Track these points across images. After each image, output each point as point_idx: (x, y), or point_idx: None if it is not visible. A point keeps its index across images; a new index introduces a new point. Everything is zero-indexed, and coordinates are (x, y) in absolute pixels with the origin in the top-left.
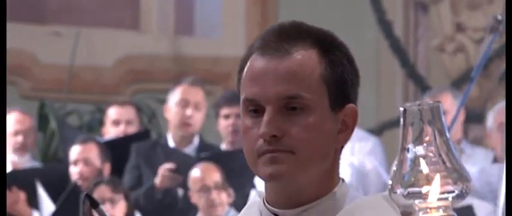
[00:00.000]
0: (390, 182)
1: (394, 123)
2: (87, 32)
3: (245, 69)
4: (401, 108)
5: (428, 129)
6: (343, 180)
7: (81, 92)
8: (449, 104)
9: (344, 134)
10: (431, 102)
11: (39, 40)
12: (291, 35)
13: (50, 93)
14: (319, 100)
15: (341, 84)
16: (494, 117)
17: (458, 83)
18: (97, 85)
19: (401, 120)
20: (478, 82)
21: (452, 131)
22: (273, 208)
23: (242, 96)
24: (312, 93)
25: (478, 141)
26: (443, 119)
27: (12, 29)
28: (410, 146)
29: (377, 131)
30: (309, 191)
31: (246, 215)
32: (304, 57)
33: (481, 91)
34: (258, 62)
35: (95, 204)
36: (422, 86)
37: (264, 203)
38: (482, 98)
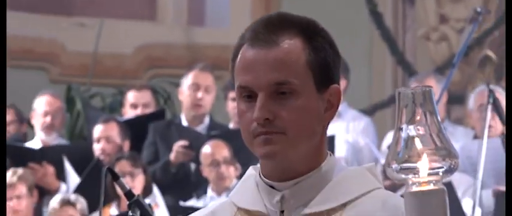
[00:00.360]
0: (386, 158)
1: (385, 105)
2: (109, 22)
3: (237, 59)
4: (397, 92)
5: (420, 111)
6: (331, 154)
7: (104, 77)
8: (434, 87)
9: (330, 112)
10: (423, 86)
11: (67, 30)
12: (277, 26)
13: (76, 78)
14: (305, 84)
15: (324, 67)
16: (475, 99)
17: (442, 69)
18: (118, 70)
19: (396, 102)
20: (459, 68)
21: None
22: (268, 181)
23: (236, 84)
24: (299, 79)
25: (460, 121)
26: (434, 102)
27: (43, 21)
28: (404, 126)
29: (369, 112)
30: (300, 165)
31: (243, 188)
32: (290, 46)
33: (462, 76)
34: (249, 53)
35: (115, 177)
36: (409, 71)
37: (260, 176)
38: (463, 82)
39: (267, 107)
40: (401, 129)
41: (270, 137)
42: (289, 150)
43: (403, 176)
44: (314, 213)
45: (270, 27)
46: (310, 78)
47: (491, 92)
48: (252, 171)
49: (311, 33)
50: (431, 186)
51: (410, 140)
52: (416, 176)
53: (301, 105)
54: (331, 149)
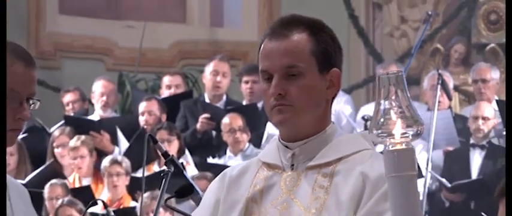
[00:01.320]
0: (369, 126)
1: (359, 85)
2: (150, 25)
3: (261, 50)
4: (377, 77)
5: (394, 89)
6: (333, 122)
7: (146, 66)
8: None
9: (331, 89)
10: (397, 71)
11: (118, 31)
12: (289, 23)
13: (126, 67)
14: (310, 67)
15: (326, 55)
16: (427, 81)
17: (402, 58)
18: (157, 61)
19: (377, 84)
20: (415, 57)
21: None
22: (284, 142)
23: (260, 68)
24: (304, 63)
25: (416, 98)
26: (404, 83)
27: (101, 24)
28: (382, 101)
29: (348, 91)
30: (306, 130)
31: (268, 148)
32: (298, 38)
33: (418, 63)
34: (267, 45)
35: (155, 142)
36: (378, 60)
37: (278, 140)
38: (419, 68)
39: (280, 85)
40: (380, 104)
41: (282, 108)
42: (296, 118)
43: (382, 139)
44: (315, 165)
45: (283, 25)
46: (314, 63)
47: (440, 76)
48: (276, 136)
49: (316, 29)
50: (403, 146)
51: (386, 111)
52: (392, 138)
53: (306, 83)
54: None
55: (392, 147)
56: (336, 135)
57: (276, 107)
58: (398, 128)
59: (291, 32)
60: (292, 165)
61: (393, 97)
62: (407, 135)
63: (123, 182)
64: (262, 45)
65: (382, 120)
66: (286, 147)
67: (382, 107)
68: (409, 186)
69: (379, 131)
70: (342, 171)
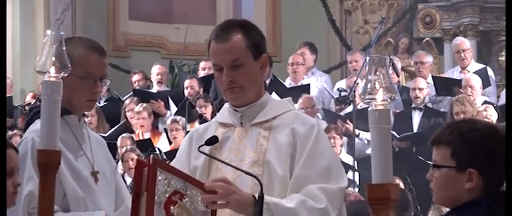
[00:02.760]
0: (361, 93)
1: (335, 67)
2: (191, 26)
3: (210, 49)
4: (368, 59)
5: (378, 67)
6: (266, 92)
7: (188, 55)
8: (359, 58)
9: (263, 69)
10: (378, 55)
11: (169, 31)
12: (227, 28)
13: (174, 56)
14: (247, 58)
15: (256, 46)
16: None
17: (365, 48)
18: (196, 52)
19: (367, 63)
20: (374, 47)
21: (362, 72)
22: (234, 107)
23: (212, 61)
24: (242, 56)
25: None
26: (386, 63)
27: (157, 26)
28: (369, 76)
29: (327, 71)
30: (250, 99)
31: (223, 113)
32: (235, 38)
33: (376, 51)
34: (214, 46)
35: (193, 107)
36: (348, 49)
37: (230, 106)
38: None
39: (229, 75)
40: (367, 77)
41: (232, 90)
42: (243, 95)
43: (369, 102)
44: (258, 122)
45: (224, 30)
46: (249, 54)
47: (391, 60)
48: (227, 105)
49: (246, 28)
50: (382, 107)
51: (372, 82)
52: (376, 101)
53: (247, 70)
54: (307, 91)
55: (375, 107)
56: (269, 101)
57: (228, 89)
58: (380, 95)
59: (230, 35)
60: (241, 123)
61: (377, 73)
62: (385, 100)
63: (180, 134)
64: (211, 46)
65: (369, 89)
66: (236, 110)
67: (369, 78)
68: (385, 134)
69: (367, 96)
70: (277, 126)
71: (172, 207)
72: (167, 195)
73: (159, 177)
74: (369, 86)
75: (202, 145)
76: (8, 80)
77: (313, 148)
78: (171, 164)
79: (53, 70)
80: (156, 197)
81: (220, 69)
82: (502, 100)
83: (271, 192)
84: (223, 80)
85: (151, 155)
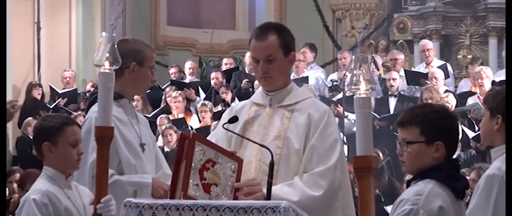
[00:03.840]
0: (349, 84)
1: (328, 63)
2: (216, 31)
3: (250, 45)
4: (354, 56)
5: (362, 63)
6: (292, 81)
7: (214, 53)
8: (347, 56)
9: (291, 63)
10: (362, 54)
11: (199, 34)
12: (265, 29)
13: (202, 54)
14: (279, 54)
15: (286, 45)
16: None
17: (352, 48)
18: (220, 50)
19: (354, 60)
20: (359, 48)
21: (350, 67)
22: (265, 91)
23: (250, 55)
24: (275, 53)
25: None
26: (368, 60)
27: (189, 30)
28: (355, 71)
29: (323, 66)
30: (278, 86)
31: (257, 94)
32: (271, 38)
33: (360, 51)
34: (254, 42)
35: (217, 94)
36: (339, 49)
37: (262, 90)
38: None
39: (263, 67)
40: (353, 72)
41: (265, 78)
42: (273, 83)
43: (354, 91)
44: (283, 105)
45: (262, 30)
46: (280, 52)
47: (373, 58)
48: (260, 88)
49: (280, 31)
50: (365, 95)
51: (357, 75)
52: (359, 91)
53: (278, 64)
54: (307, 82)
55: (359, 96)
56: (294, 89)
57: (262, 78)
58: (363, 86)
59: (267, 35)
60: (270, 104)
61: (361, 68)
62: (367, 90)
63: (208, 115)
64: (251, 42)
65: (354, 81)
66: (267, 94)
67: (355, 72)
68: (367, 117)
69: (353, 87)
70: (298, 110)
71: (205, 173)
72: (202, 163)
73: (196, 149)
74: (354, 79)
75: (226, 123)
76: (71, 73)
77: (323, 130)
78: (213, 132)
79: (107, 64)
80: (192, 164)
81: (257, 61)
82: (459, 89)
83: (288, 161)
84: (259, 70)
85: (191, 131)
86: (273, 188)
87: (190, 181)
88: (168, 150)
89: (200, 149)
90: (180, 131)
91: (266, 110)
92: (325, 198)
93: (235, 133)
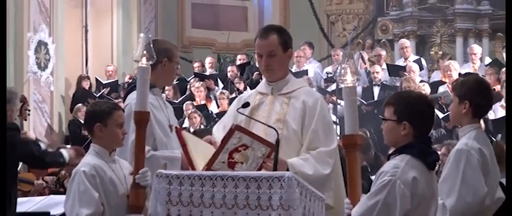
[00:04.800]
0: (338, 75)
1: (323, 59)
2: (232, 32)
3: (256, 42)
4: (342, 52)
5: (348, 58)
6: (289, 73)
7: (230, 51)
8: (339, 53)
9: (289, 58)
10: (349, 50)
11: (217, 35)
12: (268, 30)
13: (220, 51)
14: (279, 51)
15: (285, 43)
16: (356, 56)
17: (344, 46)
18: (235, 48)
19: (343, 55)
20: (349, 46)
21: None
22: (268, 81)
23: (256, 51)
24: (276, 49)
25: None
26: (353, 56)
27: (209, 32)
28: (342, 64)
29: (319, 60)
30: (278, 77)
31: (261, 85)
32: (272, 37)
33: (350, 49)
34: (258, 41)
35: (233, 84)
36: (332, 47)
37: (265, 80)
38: (350, 53)
39: (266, 61)
40: (342, 64)
41: (268, 70)
42: (274, 75)
43: (342, 81)
44: (282, 93)
45: (266, 31)
46: (280, 48)
47: (360, 54)
48: (264, 80)
49: (280, 32)
50: (351, 85)
51: (345, 68)
52: (347, 81)
53: (278, 59)
54: (306, 74)
55: (346, 85)
56: (291, 79)
57: (265, 70)
58: (349, 76)
59: (269, 35)
60: (272, 93)
61: (348, 61)
62: (353, 80)
63: (225, 101)
64: (256, 40)
65: (342, 72)
66: (269, 84)
67: (343, 66)
68: (354, 103)
69: (341, 77)
70: (294, 97)
71: (235, 154)
72: (235, 146)
73: (234, 136)
74: (342, 71)
75: (240, 108)
76: (113, 67)
77: (320, 115)
78: (224, 116)
79: (144, 60)
80: (225, 147)
81: (260, 56)
82: (432, 79)
83: (288, 140)
84: (262, 64)
85: (235, 124)
86: (290, 160)
87: (218, 159)
88: (193, 130)
89: (238, 137)
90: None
91: (268, 98)
92: (330, 174)
93: (247, 116)
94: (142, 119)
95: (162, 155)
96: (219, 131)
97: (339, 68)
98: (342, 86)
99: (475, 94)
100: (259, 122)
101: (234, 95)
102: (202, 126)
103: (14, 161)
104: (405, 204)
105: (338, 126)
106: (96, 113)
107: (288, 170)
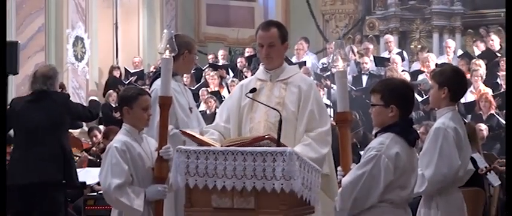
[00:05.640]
0: (331, 62)
1: (320, 51)
2: (241, 29)
3: (258, 34)
4: (334, 42)
5: (340, 48)
6: (285, 62)
7: (239, 45)
8: (333, 46)
9: (285, 49)
10: (340, 41)
11: (228, 31)
12: (269, 24)
13: (231, 45)
14: (277, 42)
15: (283, 37)
16: (347, 49)
17: (338, 40)
18: (244, 43)
19: (334, 45)
20: (341, 41)
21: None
22: (266, 69)
23: (257, 41)
24: (275, 41)
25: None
26: (343, 45)
27: (222, 29)
28: (334, 52)
29: (315, 52)
30: (276, 65)
31: (259, 72)
32: (273, 30)
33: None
34: (260, 32)
35: (242, 72)
36: (327, 41)
37: (264, 68)
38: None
39: (266, 51)
40: (334, 52)
41: (268, 59)
42: (272, 63)
43: (334, 66)
44: (280, 79)
45: (267, 24)
46: (279, 40)
47: (351, 47)
48: (261, 67)
49: (279, 26)
50: (342, 69)
51: (336, 55)
52: (338, 66)
53: (276, 49)
54: (305, 64)
55: (338, 70)
56: (287, 67)
57: (264, 58)
58: (340, 62)
59: (270, 28)
60: (270, 79)
61: (339, 50)
62: (344, 66)
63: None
64: (259, 32)
65: (335, 58)
66: (267, 71)
67: (334, 52)
68: (344, 85)
69: (333, 63)
70: (290, 83)
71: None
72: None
73: (264, 142)
74: (334, 58)
75: (248, 93)
76: (139, 59)
77: (314, 99)
78: (226, 99)
79: (167, 52)
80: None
81: (262, 46)
82: (412, 69)
83: (287, 120)
84: (263, 53)
85: (269, 135)
86: (295, 148)
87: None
88: (209, 113)
89: (266, 143)
90: (215, 99)
91: (268, 84)
92: (328, 152)
93: (254, 99)
94: (165, 102)
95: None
96: (222, 112)
97: (332, 55)
98: (334, 70)
99: (452, 81)
100: (263, 104)
101: (240, 83)
102: (216, 109)
103: (71, 117)
104: (388, 176)
105: (332, 109)
106: (124, 98)
107: None
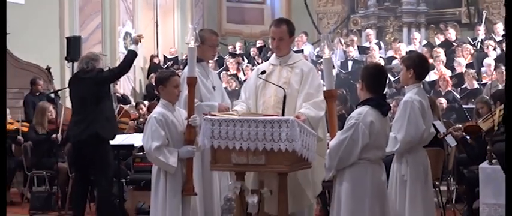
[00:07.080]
0: (320, 51)
1: (315, 43)
2: (252, 25)
3: (271, 29)
4: (322, 35)
5: (325, 39)
6: (291, 51)
7: (252, 37)
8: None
9: (292, 41)
10: (326, 34)
11: (243, 27)
12: (280, 21)
13: (246, 38)
14: (286, 36)
15: (291, 32)
16: (335, 42)
17: (328, 34)
18: (255, 36)
19: (321, 38)
20: (332, 34)
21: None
22: (277, 56)
23: (270, 35)
24: (284, 35)
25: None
26: (329, 38)
27: (240, 26)
28: (321, 43)
29: (312, 43)
30: (284, 53)
31: (272, 58)
32: (283, 27)
33: (332, 36)
34: (273, 28)
35: (254, 60)
36: (320, 34)
37: (275, 55)
38: (332, 38)
39: (277, 43)
40: (322, 43)
41: (278, 49)
42: (281, 52)
43: (322, 54)
44: (287, 64)
45: (278, 22)
46: (287, 35)
47: (339, 40)
48: (274, 55)
49: (288, 23)
50: (328, 56)
51: (323, 45)
52: (325, 54)
53: (285, 41)
54: (303, 52)
55: (325, 57)
56: (293, 55)
57: (275, 48)
58: (326, 51)
59: (281, 24)
60: (280, 64)
61: (326, 42)
62: (330, 53)
63: (249, 72)
64: (272, 27)
65: (322, 48)
66: (278, 58)
67: (322, 44)
68: (330, 69)
69: (321, 52)
70: (295, 66)
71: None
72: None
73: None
74: (321, 47)
75: (259, 74)
76: (175, 49)
77: (312, 79)
78: (246, 81)
79: (192, 42)
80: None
81: (273, 39)
82: (387, 56)
83: (291, 96)
84: (274, 44)
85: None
86: (301, 110)
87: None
88: (230, 89)
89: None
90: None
91: (278, 68)
92: (323, 116)
93: (264, 79)
94: (191, 82)
95: (206, 104)
96: (245, 90)
97: (320, 46)
98: (322, 57)
99: (417, 65)
100: (272, 83)
101: (255, 68)
102: (236, 87)
103: (100, 82)
104: (365, 139)
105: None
106: (159, 78)
107: (297, 117)
